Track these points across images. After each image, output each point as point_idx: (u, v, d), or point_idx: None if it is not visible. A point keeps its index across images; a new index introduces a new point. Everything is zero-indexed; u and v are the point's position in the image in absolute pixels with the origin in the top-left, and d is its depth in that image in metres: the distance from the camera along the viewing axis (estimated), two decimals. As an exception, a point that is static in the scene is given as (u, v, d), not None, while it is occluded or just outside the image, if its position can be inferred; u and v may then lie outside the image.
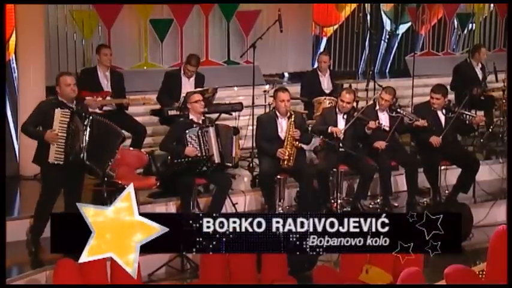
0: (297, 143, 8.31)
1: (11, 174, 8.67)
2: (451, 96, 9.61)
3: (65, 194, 7.33)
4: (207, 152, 8.04)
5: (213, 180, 8.22)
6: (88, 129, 7.06)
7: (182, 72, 9.71)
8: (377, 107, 8.92)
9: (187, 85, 9.63)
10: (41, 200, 7.36)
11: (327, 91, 10.21)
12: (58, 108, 7.07)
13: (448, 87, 9.29)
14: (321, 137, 8.77)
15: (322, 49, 13.46)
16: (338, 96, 8.88)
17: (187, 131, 8.07)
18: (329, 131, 8.55)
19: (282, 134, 8.41)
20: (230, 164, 8.30)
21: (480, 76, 11.20)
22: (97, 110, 9.00)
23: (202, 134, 8.09)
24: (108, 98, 9.16)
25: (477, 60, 11.30)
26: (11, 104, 9.14)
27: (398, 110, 8.89)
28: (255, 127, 8.78)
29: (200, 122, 8.22)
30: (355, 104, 9.43)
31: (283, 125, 8.44)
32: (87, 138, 7.05)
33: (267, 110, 9.58)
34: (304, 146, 8.64)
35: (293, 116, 8.33)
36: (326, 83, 10.36)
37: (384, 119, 8.84)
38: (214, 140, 8.16)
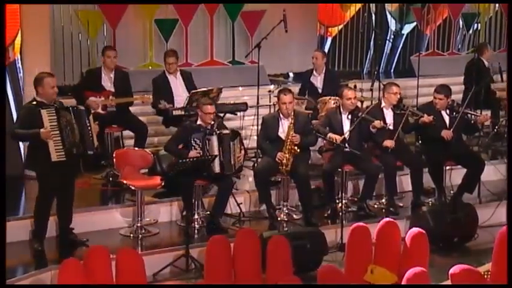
0: (296, 148, 8.27)
1: (16, 174, 8.68)
2: (455, 96, 9.57)
3: (61, 190, 7.41)
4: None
5: (215, 181, 8.20)
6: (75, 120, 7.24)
7: (166, 72, 9.70)
8: (383, 105, 8.90)
9: (177, 83, 9.63)
10: (40, 202, 7.42)
11: (320, 90, 10.18)
12: (40, 109, 7.13)
13: (452, 87, 9.25)
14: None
15: (327, 49, 13.45)
16: (340, 97, 8.83)
17: (193, 135, 8.06)
18: (327, 137, 8.52)
19: (282, 135, 8.41)
20: (229, 173, 8.22)
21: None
22: (99, 110, 9.02)
23: (205, 142, 8.06)
24: (111, 97, 9.18)
25: (485, 57, 11.43)
26: (16, 104, 9.13)
27: (403, 108, 8.87)
28: (259, 127, 8.78)
29: (209, 127, 8.15)
30: (359, 103, 9.43)
31: (284, 126, 8.44)
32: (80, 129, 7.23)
33: (272, 110, 9.58)
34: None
35: (292, 119, 8.32)
36: (319, 82, 10.34)
37: (389, 117, 8.83)
38: (216, 148, 8.07)
